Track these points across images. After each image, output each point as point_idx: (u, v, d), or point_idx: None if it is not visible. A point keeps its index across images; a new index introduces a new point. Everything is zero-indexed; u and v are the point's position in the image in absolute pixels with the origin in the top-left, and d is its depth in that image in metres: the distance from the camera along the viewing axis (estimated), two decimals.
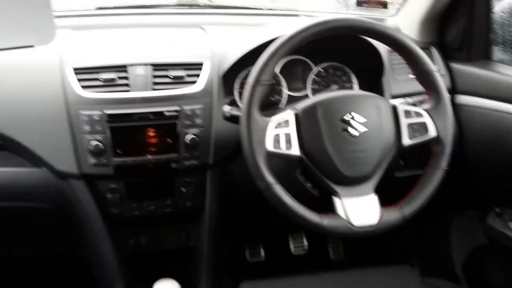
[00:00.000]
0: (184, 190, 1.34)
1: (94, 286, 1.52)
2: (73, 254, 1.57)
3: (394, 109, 1.14)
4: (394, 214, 1.09)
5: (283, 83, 1.44)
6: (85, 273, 1.54)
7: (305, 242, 1.97)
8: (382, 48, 1.41)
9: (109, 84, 1.26)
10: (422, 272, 1.74)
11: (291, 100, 1.44)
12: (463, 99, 1.47)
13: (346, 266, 1.37)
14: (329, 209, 1.10)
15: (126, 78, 1.28)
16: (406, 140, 1.12)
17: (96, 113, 1.23)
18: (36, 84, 1.26)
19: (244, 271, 1.91)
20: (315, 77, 1.46)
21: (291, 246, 1.97)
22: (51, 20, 1.00)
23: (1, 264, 1.81)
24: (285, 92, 1.45)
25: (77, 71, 1.27)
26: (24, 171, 1.30)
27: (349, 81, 1.48)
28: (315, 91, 1.46)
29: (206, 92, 1.30)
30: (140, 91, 1.27)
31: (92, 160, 1.24)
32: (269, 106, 1.42)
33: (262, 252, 1.95)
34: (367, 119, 1.10)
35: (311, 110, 1.10)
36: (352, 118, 1.09)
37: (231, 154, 1.33)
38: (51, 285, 1.86)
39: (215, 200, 1.37)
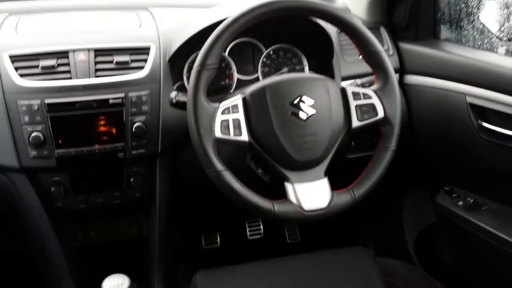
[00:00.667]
0: (132, 180, 1.30)
1: (42, 283, 1.46)
2: (18, 251, 1.51)
3: (343, 91, 1.13)
4: (345, 197, 1.08)
5: (233, 66, 1.41)
6: (32, 271, 1.49)
7: (261, 227, 1.97)
8: (331, 29, 1.40)
9: (49, 71, 1.21)
10: (376, 252, 1.77)
11: (242, 84, 1.41)
12: (412, 78, 1.48)
13: (302, 249, 1.36)
14: (281, 194, 1.09)
15: (67, 64, 1.22)
16: (356, 122, 1.11)
17: (35, 102, 1.17)
18: None
19: (200, 259, 1.89)
20: (265, 60, 1.44)
21: (247, 231, 1.96)
22: None
23: None
24: (235, 76, 1.42)
25: (14, 58, 1.21)
26: None
27: (300, 63, 1.46)
28: (265, 74, 1.44)
29: (153, 77, 1.26)
30: (82, 78, 1.21)
31: (33, 152, 1.18)
32: (220, 91, 1.38)
33: (218, 239, 1.94)
34: (316, 102, 1.08)
35: (259, 94, 1.07)
36: (301, 101, 1.07)
37: (180, 141, 1.29)
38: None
39: (165, 189, 1.33)
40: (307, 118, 1.07)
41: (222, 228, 1.95)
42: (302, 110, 1.07)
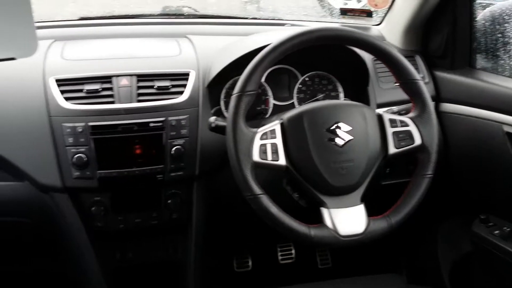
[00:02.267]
0: (170, 201, 1.32)
1: None
2: (56, 270, 1.54)
3: (380, 118, 1.14)
4: (381, 224, 1.09)
5: (269, 92, 1.44)
6: None
7: (293, 251, 1.96)
8: (367, 57, 1.42)
9: (93, 95, 1.25)
10: (409, 280, 1.75)
11: (277, 109, 1.44)
12: (447, 106, 1.48)
13: (333, 274, 1.35)
14: (317, 219, 1.10)
15: (110, 89, 1.27)
16: (392, 149, 1.12)
17: (79, 125, 1.21)
18: (18, 96, 1.25)
19: (232, 282, 1.89)
20: (301, 86, 1.46)
21: (279, 256, 1.96)
22: (33, 31, 0.98)
23: None
24: (271, 101, 1.44)
25: (60, 82, 1.26)
26: (6, 185, 1.28)
27: (335, 90, 1.48)
28: (301, 100, 1.46)
29: (192, 102, 1.29)
30: (124, 102, 1.26)
31: (76, 173, 1.22)
32: (255, 116, 1.41)
33: (250, 262, 1.94)
34: (353, 128, 1.10)
35: (297, 120, 1.09)
36: (338, 127, 1.09)
37: (217, 165, 1.32)
38: None
39: (202, 211, 1.35)
40: (344, 144, 1.08)
41: (254, 251, 1.95)
42: (339, 136, 1.08)
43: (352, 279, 1.33)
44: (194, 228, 1.36)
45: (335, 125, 1.09)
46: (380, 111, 1.17)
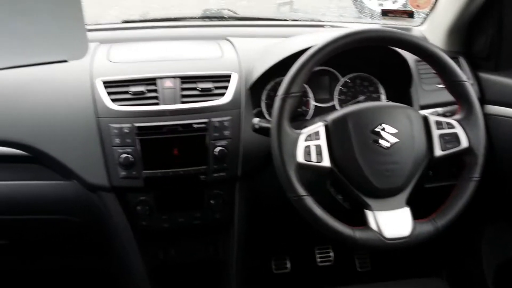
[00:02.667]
0: (213, 202, 1.34)
1: None
2: (101, 268, 1.57)
3: (425, 120, 1.13)
4: (427, 227, 1.07)
5: (310, 94, 1.44)
6: None
7: (332, 254, 1.96)
8: (409, 58, 1.40)
9: (138, 97, 1.28)
10: (451, 284, 1.72)
11: (318, 111, 1.44)
12: (492, 108, 1.45)
13: (373, 278, 1.34)
14: (360, 221, 1.10)
15: (155, 91, 1.29)
16: (438, 151, 1.11)
17: (125, 126, 1.24)
18: (67, 97, 1.28)
19: (270, 284, 1.90)
20: (342, 88, 1.46)
21: (317, 258, 1.95)
22: (84, 34, 1.01)
23: (29, 277, 1.83)
24: (312, 103, 1.44)
25: (107, 84, 1.28)
26: (55, 184, 1.32)
27: (377, 91, 1.47)
28: (342, 102, 1.46)
29: (234, 104, 1.31)
30: (168, 103, 1.28)
31: (123, 173, 1.25)
32: (296, 118, 1.42)
33: (288, 264, 1.94)
34: (399, 130, 1.09)
35: (341, 122, 1.09)
36: (383, 129, 1.08)
37: (259, 166, 1.33)
38: None
39: (243, 212, 1.36)
40: (389, 146, 1.08)
41: (292, 253, 1.95)
42: (384, 138, 1.08)
43: (392, 283, 1.32)
44: (236, 228, 1.37)
45: (380, 127, 1.08)
46: (425, 113, 1.16)
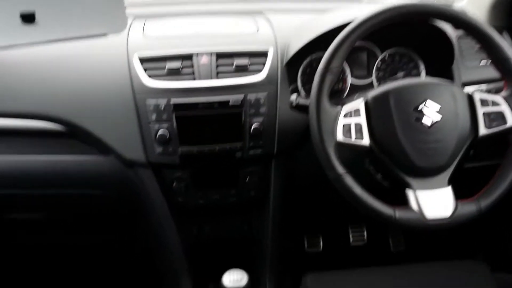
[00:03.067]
0: (248, 179, 1.33)
1: (160, 279, 1.54)
2: (136, 244, 1.59)
3: (470, 97, 1.09)
4: (470, 208, 1.05)
5: (347, 70, 1.41)
6: (150, 266, 1.57)
7: (365, 234, 1.94)
8: (451, 33, 1.35)
9: (174, 73, 1.27)
10: (492, 267, 1.68)
11: (355, 88, 1.41)
12: None
13: (407, 259, 1.32)
14: (399, 201, 1.08)
15: (191, 67, 1.28)
16: (483, 130, 1.07)
17: (162, 102, 1.23)
18: (105, 73, 1.29)
19: (303, 262, 1.89)
20: (380, 64, 1.42)
21: (350, 237, 1.94)
22: (122, 8, 1.01)
23: (65, 252, 1.87)
24: (349, 80, 1.41)
25: (143, 60, 1.28)
26: (91, 159, 1.33)
27: (416, 68, 1.43)
28: (380, 79, 1.42)
29: (271, 80, 1.29)
30: (204, 80, 1.27)
31: (159, 149, 1.25)
32: (333, 95, 1.38)
33: (321, 243, 1.93)
34: (442, 108, 1.06)
35: (382, 99, 1.06)
36: (426, 107, 1.05)
37: (295, 143, 1.31)
38: (116, 275, 1.90)
39: (279, 190, 1.36)
40: (432, 124, 1.05)
41: (325, 232, 1.94)
42: (427, 116, 1.05)
43: (428, 264, 1.29)
44: (271, 206, 1.36)
45: (423, 104, 1.05)
46: (469, 90, 1.12)
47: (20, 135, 1.33)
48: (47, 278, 1.91)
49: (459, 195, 1.08)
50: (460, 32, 1.37)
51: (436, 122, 1.05)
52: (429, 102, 1.05)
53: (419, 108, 1.05)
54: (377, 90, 1.08)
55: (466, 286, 1.23)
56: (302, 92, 1.38)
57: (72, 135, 1.32)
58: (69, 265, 1.92)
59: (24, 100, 1.28)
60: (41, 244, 1.72)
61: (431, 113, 1.05)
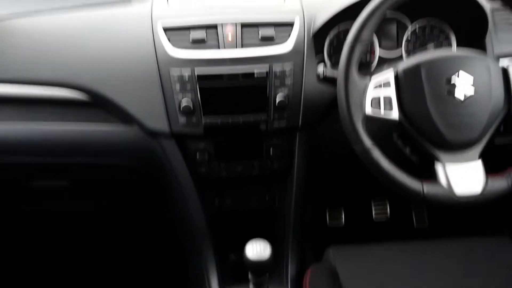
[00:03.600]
0: (272, 152, 1.32)
1: (182, 248, 1.54)
2: (157, 214, 1.60)
3: (505, 71, 1.06)
4: (501, 183, 1.02)
5: (375, 42, 1.37)
6: (172, 235, 1.58)
7: (388, 209, 1.92)
8: (485, 5, 1.30)
9: (199, 43, 1.25)
10: None
11: (383, 60, 1.37)
12: None
13: (430, 235, 1.30)
14: (427, 176, 1.05)
15: (215, 37, 1.25)
16: None
17: (186, 72, 1.22)
18: (129, 42, 1.27)
19: (324, 236, 1.89)
20: (409, 36, 1.38)
21: (373, 213, 1.93)
22: None
23: (89, 222, 1.89)
24: (377, 52, 1.38)
25: (167, 29, 1.26)
26: (115, 128, 1.32)
27: (447, 40, 1.38)
28: (409, 51, 1.38)
29: (297, 51, 1.26)
30: (229, 50, 1.25)
31: (183, 120, 1.24)
32: (360, 67, 1.35)
33: (343, 217, 1.92)
34: (475, 81, 1.02)
35: (414, 71, 1.03)
36: (459, 79, 1.02)
37: (320, 116, 1.29)
38: (138, 245, 1.93)
39: (302, 162, 1.34)
40: (464, 98, 1.02)
41: (347, 206, 1.93)
42: (459, 89, 1.02)
43: (452, 240, 1.27)
44: (294, 179, 1.35)
45: (456, 77, 1.02)
46: (504, 63, 1.08)
47: (44, 104, 1.33)
48: (72, 247, 1.94)
49: (489, 171, 1.06)
50: (495, 4, 1.32)
51: (469, 95, 1.02)
52: (462, 74, 1.02)
53: (452, 81, 1.02)
54: (408, 62, 1.05)
55: (492, 262, 1.21)
56: (329, 64, 1.35)
57: (96, 104, 1.31)
58: (92, 234, 1.96)
59: (47, 68, 1.28)
60: (65, 213, 1.75)
61: (464, 86, 1.02)
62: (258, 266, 1.07)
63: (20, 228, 1.92)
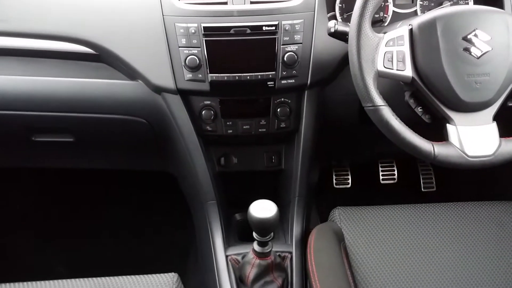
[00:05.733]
0: (279, 110, 1.29)
1: (187, 205, 1.54)
2: (166, 173, 1.59)
3: None
4: None
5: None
6: (178, 193, 1.57)
7: (395, 172, 1.90)
8: None
9: None
10: None
11: (397, 17, 1.32)
12: None
13: (437, 199, 1.28)
14: (440, 137, 1.02)
15: None
16: None
17: (192, 25, 1.18)
18: None
19: (331, 197, 1.88)
20: None
21: (380, 175, 1.90)
22: None
23: (92, 179, 1.89)
24: (391, 8, 1.32)
25: None
26: (120, 83, 1.30)
27: None
28: (424, 8, 1.33)
29: (307, 6, 1.21)
30: (237, 3, 1.21)
31: (188, 75, 1.21)
32: (373, 24, 1.30)
33: (350, 179, 1.91)
34: (493, 38, 0.98)
35: (429, 26, 0.99)
36: (476, 35, 0.98)
37: (330, 74, 1.25)
38: (143, 203, 1.93)
39: (311, 122, 1.31)
40: (481, 56, 0.98)
41: (354, 168, 1.91)
42: (476, 46, 0.98)
43: (459, 204, 1.25)
44: (302, 139, 1.32)
45: (473, 33, 0.98)
46: None
47: (48, 57, 1.31)
48: (74, 203, 1.95)
49: (502, 133, 1.03)
50: None
51: (486, 52, 0.98)
52: (479, 31, 0.98)
53: (468, 37, 0.98)
54: (423, 17, 1.01)
55: (497, 227, 1.19)
56: (340, 21, 1.30)
57: (100, 58, 1.28)
58: (95, 191, 1.96)
59: (51, 21, 1.24)
60: (71, 168, 1.74)
61: (481, 43, 0.98)
62: (263, 225, 1.06)
63: (24, 183, 1.93)
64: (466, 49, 0.98)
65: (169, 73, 1.21)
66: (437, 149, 0.98)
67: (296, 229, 1.32)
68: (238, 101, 1.29)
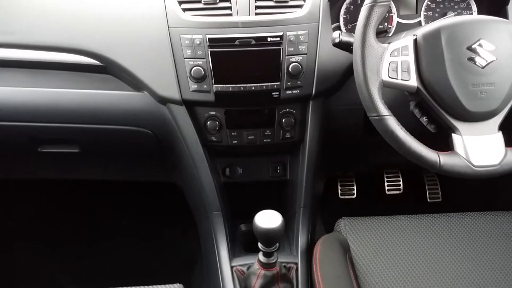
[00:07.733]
0: (284, 120, 1.29)
1: (192, 216, 1.54)
2: (171, 182, 1.59)
3: None
4: None
5: (393, 9, 1.33)
6: (183, 204, 1.57)
7: (401, 182, 1.89)
8: None
9: (211, 7, 1.22)
10: None
11: (401, 28, 1.33)
12: None
13: (443, 210, 1.28)
14: (445, 147, 1.02)
15: (228, 1, 1.22)
16: None
17: (197, 37, 1.19)
18: (139, 6, 1.24)
19: (335, 208, 1.87)
20: (429, 3, 1.33)
21: (386, 185, 1.90)
22: None
23: (98, 189, 1.89)
24: (395, 19, 1.33)
25: None
26: (125, 94, 1.30)
27: (468, 8, 1.33)
28: (428, 19, 1.33)
29: (312, 17, 1.22)
30: (242, 15, 1.22)
31: (194, 86, 1.21)
32: (377, 35, 1.31)
33: (355, 190, 1.90)
34: (497, 48, 0.98)
35: (433, 36, 0.99)
36: (480, 45, 0.98)
37: (334, 85, 1.26)
38: (148, 214, 1.93)
39: (315, 132, 1.31)
40: (485, 65, 0.98)
41: (360, 178, 1.90)
42: (480, 56, 0.98)
43: (465, 214, 1.25)
44: (307, 149, 1.32)
45: (477, 42, 0.98)
46: None
47: (55, 69, 1.32)
48: (80, 213, 1.95)
49: (507, 143, 1.02)
50: None
51: (491, 62, 0.98)
52: (483, 41, 0.98)
53: (473, 46, 0.98)
54: (428, 27, 1.01)
55: (504, 237, 1.19)
56: (345, 32, 1.31)
57: (106, 70, 1.29)
58: (101, 201, 1.96)
59: (57, 33, 1.26)
60: (76, 179, 1.75)
61: (485, 52, 0.98)
62: (268, 235, 1.05)
63: (28, 193, 1.93)
64: (471, 59, 0.98)
65: (175, 84, 1.22)
66: (443, 159, 0.98)
67: (301, 240, 1.32)
68: (243, 112, 1.29)
